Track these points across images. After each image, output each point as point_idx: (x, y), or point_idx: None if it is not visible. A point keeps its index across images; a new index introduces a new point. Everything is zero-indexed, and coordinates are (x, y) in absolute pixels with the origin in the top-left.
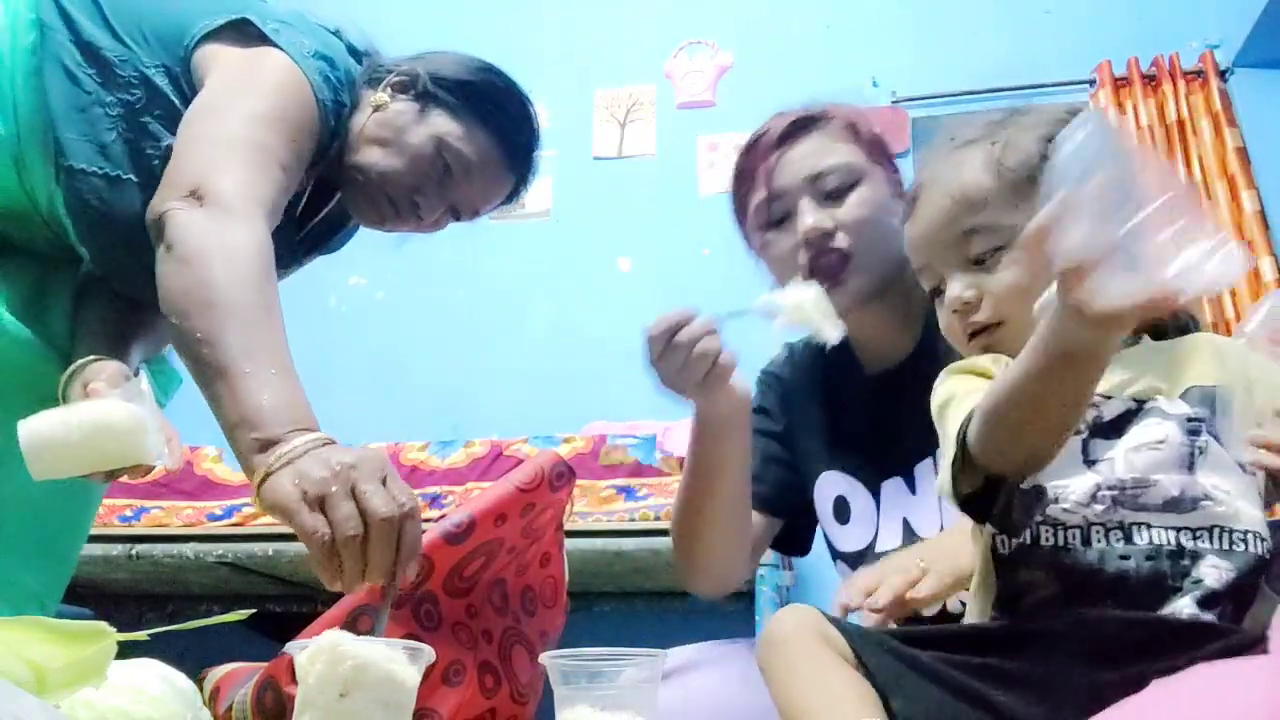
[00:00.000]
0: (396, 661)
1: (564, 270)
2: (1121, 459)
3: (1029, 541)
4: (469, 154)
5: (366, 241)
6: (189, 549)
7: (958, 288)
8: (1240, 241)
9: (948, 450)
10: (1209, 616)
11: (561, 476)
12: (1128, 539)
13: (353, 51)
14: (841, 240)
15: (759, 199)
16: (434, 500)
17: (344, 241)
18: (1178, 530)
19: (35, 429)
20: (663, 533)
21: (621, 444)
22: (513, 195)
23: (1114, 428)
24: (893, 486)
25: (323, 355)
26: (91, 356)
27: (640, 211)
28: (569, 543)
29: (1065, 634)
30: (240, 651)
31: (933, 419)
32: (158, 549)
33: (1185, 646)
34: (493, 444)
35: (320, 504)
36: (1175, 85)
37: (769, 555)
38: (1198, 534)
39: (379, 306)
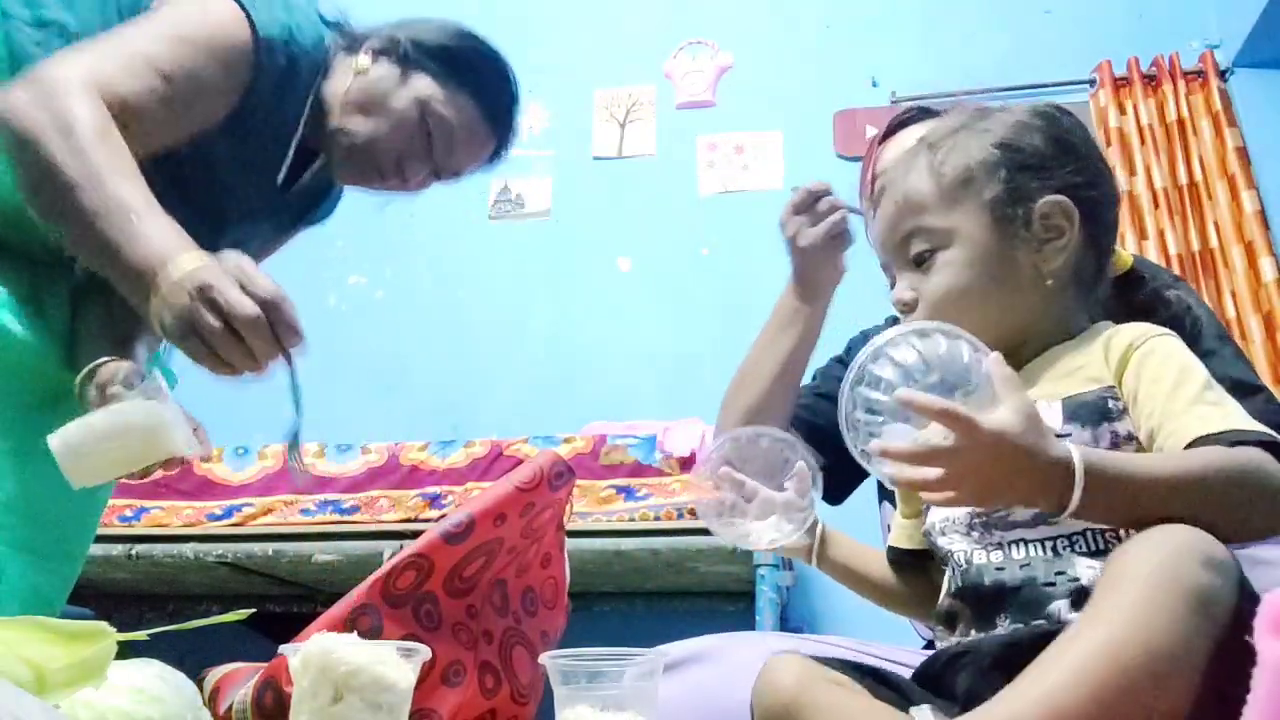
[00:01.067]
0: (387, 663)
1: (564, 270)
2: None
3: (944, 576)
4: (451, 117)
5: (367, 241)
6: (189, 549)
7: (899, 289)
8: (1240, 242)
9: None
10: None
11: (561, 476)
12: (1006, 555)
13: (324, 22)
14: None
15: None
16: (434, 500)
17: (330, 211)
18: (1053, 540)
19: (66, 440)
20: (663, 533)
21: (621, 444)
22: (494, 157)
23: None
24: None
25: (323, 355)
26: (102, 359)
27: (640, 211)
28: (569, 543)
29: (971, 655)
30: (240, 651)
31: None
32: (158, 549)
33: None
34: (493, 444)
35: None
36: (1175, 85)
37: (769, 556)
38: (1072, 539)
39: (379, 306)
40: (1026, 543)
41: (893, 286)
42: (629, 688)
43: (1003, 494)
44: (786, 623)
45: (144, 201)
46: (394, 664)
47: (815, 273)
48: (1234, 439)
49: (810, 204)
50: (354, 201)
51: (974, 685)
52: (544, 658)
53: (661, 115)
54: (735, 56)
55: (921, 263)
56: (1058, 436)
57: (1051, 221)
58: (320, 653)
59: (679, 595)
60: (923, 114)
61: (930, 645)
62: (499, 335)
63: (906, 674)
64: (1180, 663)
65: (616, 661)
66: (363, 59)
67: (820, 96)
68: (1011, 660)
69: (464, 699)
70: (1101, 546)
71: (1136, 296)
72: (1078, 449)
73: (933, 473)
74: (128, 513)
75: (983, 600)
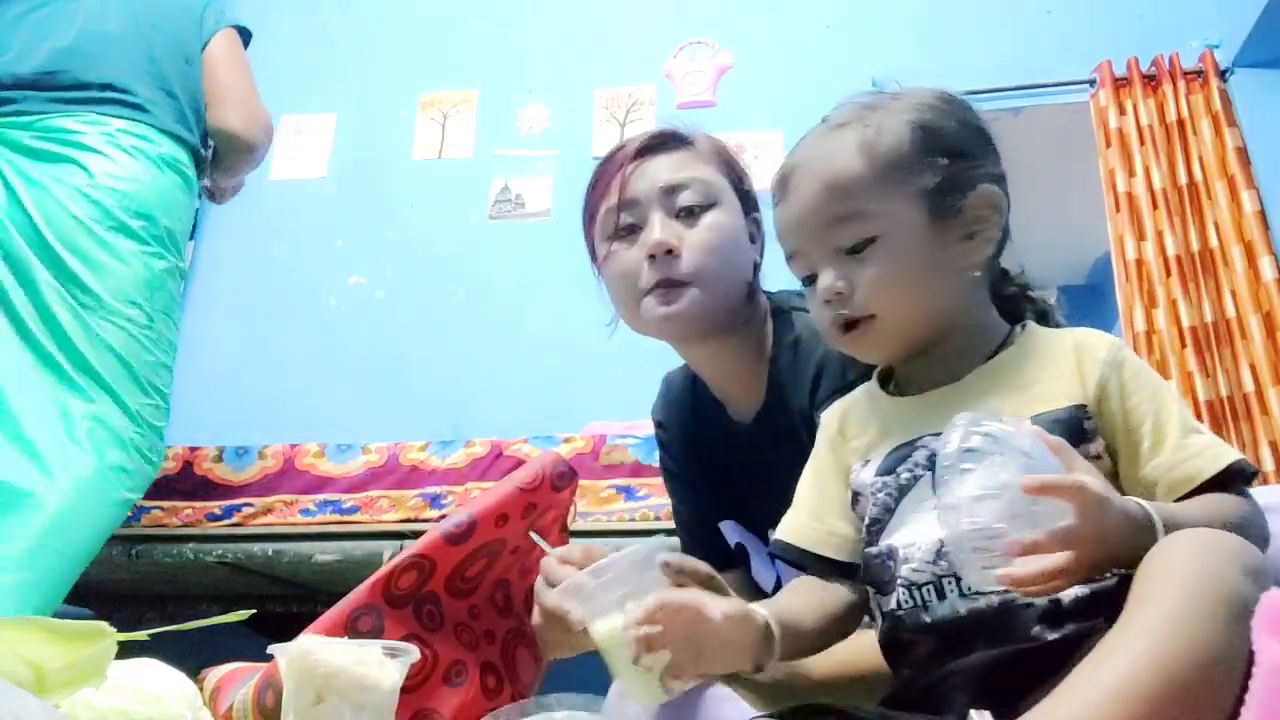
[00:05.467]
0: (369, 664)
1: (564, 270)
2: (966, 508)
3: (895, 605)
4: None
5: (367, 241)
6: (189, 549)
7: (829, 277)
8: (1240, 242)
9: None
10: (1066, 630)
11: (563, 477)
12: (971, 585)
13: None
14: (685, 265)
15: (609, 205)
16: (433, 500)
17: None
18: None
19: None
20: (663, 533)
21: (621, 444)
22: None
23: (961, 462)
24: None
25: (323, 355)
26: None
27: None
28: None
29: (944, 687)
30: (240, 651)
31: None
32: (158, 549)
33: (1049, 668)
34: (493, 444)
35: None
36: (1175, 85)
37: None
38: None
39: (379, 306)
40: (999, 567)
41: (804, 279)
42: (641, 579)
43: (1110, 559)
44: None
45: None
46: (376, 665)
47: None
48: (1231, 473)
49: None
50: (354, 202)
51: (973, 704)
52: (553, 593)
53: (661, 115)
54: (735, 56)
55: (854, 250)
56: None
57: (980, 213)
58: (300, 655)
59: None
60: (675, 141)
61: None
62: (499, 335)
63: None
64: (1225, 672)
65: (615, 564)
66: None
67: (820, 96)
68: (1007, 678)
69: (466, 699)
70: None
71: (1005, 290)
72: (1146, 503)
73: (1065, 557)
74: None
75: (958, 629)
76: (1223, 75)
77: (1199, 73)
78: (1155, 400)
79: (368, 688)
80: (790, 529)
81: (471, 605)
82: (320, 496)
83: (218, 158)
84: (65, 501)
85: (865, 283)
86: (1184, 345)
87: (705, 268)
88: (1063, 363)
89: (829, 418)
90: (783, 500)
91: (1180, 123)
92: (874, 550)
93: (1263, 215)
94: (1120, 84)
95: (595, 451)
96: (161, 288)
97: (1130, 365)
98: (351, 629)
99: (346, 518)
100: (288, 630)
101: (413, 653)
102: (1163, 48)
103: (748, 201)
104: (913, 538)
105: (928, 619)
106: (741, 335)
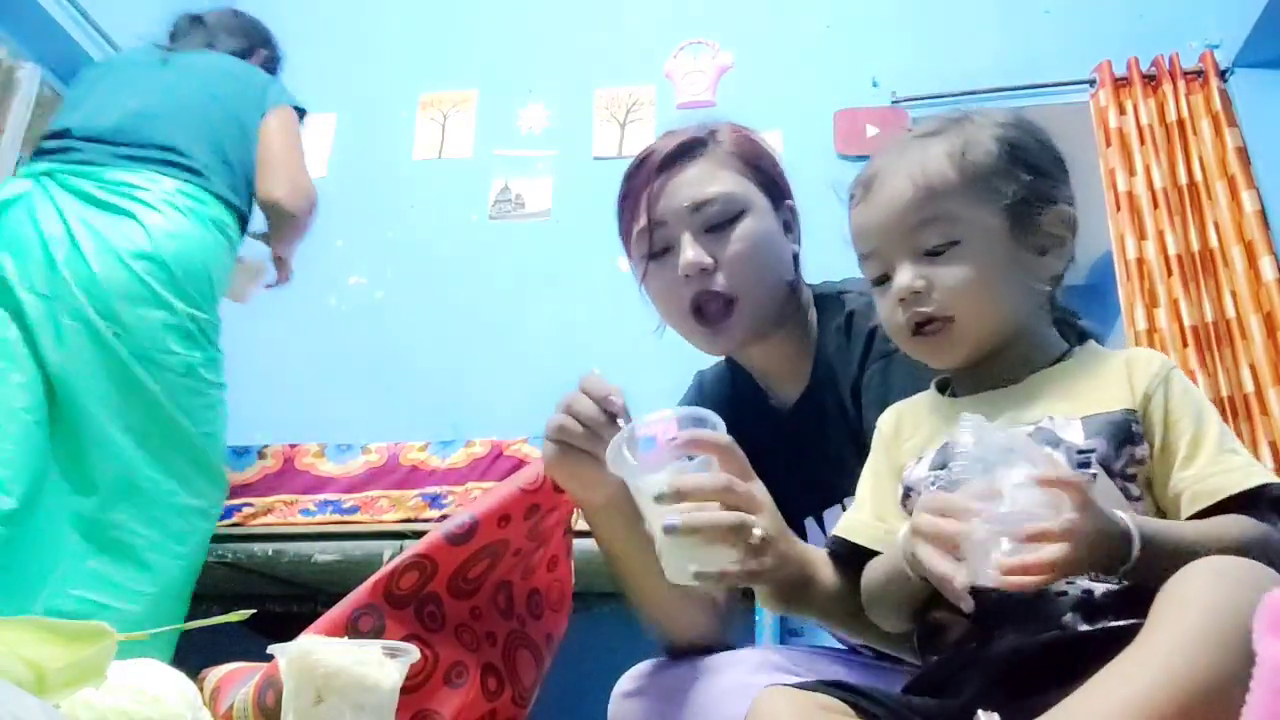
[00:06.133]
0: (369, 664)
1: (564, 270)
2: (1008, 495)
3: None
4: None
5: (367, 241)
6: None
7: (908, 276)
8: (1240, 242)
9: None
10: (1099, 625)
11: None
12: None
13: None
14: (721, 281)
15: (640, 225)
16: (433, 500)
17: None
18: None
19: None
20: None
21: None
22: None
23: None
24: (811, 526)
25: (323, 355)
26: None
27: None
28: None
29: (971, 668)
30: (240, 651)
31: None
32: None
33: (1078, 662)
34: (493, 444)
35: None
36: (1175, 85)
37: None
38: None
39: (379, 306)
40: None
41: (876, 279)
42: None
43: (1090, 561)
44: (786, 621)
45: None
46: (376, 665)
47: (575, 492)
48: (1258, 493)
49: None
50: (354, 202)
51: (987, 691)
52: (616, 439)
53: (662, 115)
54: (735, 56)
55: (935, 252)
56: (1079, 452)
57: (1055, 230)
58: (300, 655)
59: None
60: (696, 148)
61: (853, 651)
62: (499, 335)
63: (890, 679)
64: (1241, 695)
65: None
66: None
67: (820, 96)
68: (1028, 667)
69: (466, 700)
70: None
71: (1054, 314)
72: (1130, 515)
73: (1062, 549)
74: None
75: (988, 613)
76: (1223, 75)
77: (1199, 73)
78: (1198, 418)
79: (368, 688)
80: (853, 528)
81: (473, 606)
82: (320, 496)
83: (269, 227)
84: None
85: (944, 283)
86: (1185, 344)
87: (743, 279)
88: (1115, 374)
89: (884, 421)
90: (817, 487)
91: (1180, 123)
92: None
93: (1263, 215)
94: (1120, 84)
95: None
96: (202, 337)
97: (1178, 382)
98: (352, 629)
99: (346, 518)
100: (288, 630)
101: (413, 653)
102: (1163, 48)
103: (778, 192)
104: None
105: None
106: (789, 327)
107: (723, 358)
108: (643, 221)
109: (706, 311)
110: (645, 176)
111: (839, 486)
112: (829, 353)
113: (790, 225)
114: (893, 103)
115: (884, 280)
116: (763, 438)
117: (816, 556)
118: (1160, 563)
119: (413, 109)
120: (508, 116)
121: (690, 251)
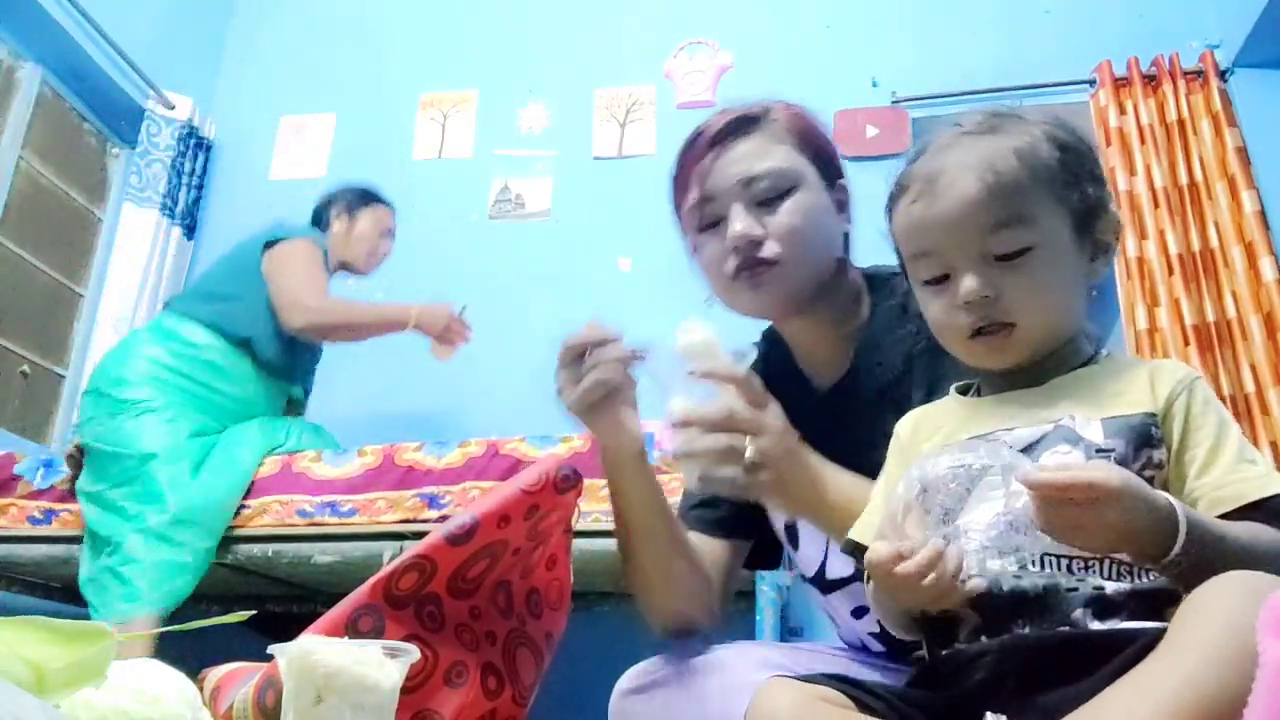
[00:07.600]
0: (369, 664)
1: (564, 270)
2: (1024, 492)
3: None
4: None
5: None
6: None
7: (974, 281)
8: (1240, 242)
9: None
10: (1111, 624)
11: (567, 480)
12: (1021, 565)
13: None
14: (770, 249)
15: (692, 200)
16: (431, 500)
17: None
18: (1069, 559)
19: None
20: None
21: None
22: None
23: (1025, 452)
24: None
25: (322, 355)
26: None
27: (640, 211)
28: None
29: (992, 656)
30: (240, 651)
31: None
32: None
33: (1089, 661)
34: (489, 444)
35: None
36: (1175, 85)
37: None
38: (1088, 563)
39: None
40: (1047, 554)
41: (929, 280)
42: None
43: (1129, 542)
44: (786, 621)
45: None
46: (376, 665)
47: (605, 441)
48: (1277, 502)
49: (574, 358)
50: None
51: (995, 685)
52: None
53: (661, 115)
54: (735, 56)
55: (1006, 258)
56: (1098, 451)
57: (1106, 237)
58: (300, 655)
59: None
60: (750, 123)
61: (855, 650)
62: (499, 335)
63: (893, 677)
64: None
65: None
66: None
67: (820, 96)
68: (1037, 663)
69: (467, 700)
70: (1119, 575)
71: None
72: (1177, 502)
73: (1095, 473)
74: None
75: (998, 608)
76: (1223, 75)
77: (1199, 73)
78: (1218, 429)
79: (368, 688)
80: (865, 531)
81: (473, 606)
82: (318, 499)
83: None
84: None
85: (1014, 291)
86: (1186, 344)
87: (790, 249)
88: (1139, 381)
89: (902, 427)
90: (854, 468)
91: (1180, 123)
92: (943, 533)
93: (1263, 215)
94: (1120, 84)
95: (594, 451)
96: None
97: (1201, 392)
98: (352, 629)
99: (345, 519)
100: (288, 630)
101: (413, 653)
102: (1163, 48)
103: (831, 171)
104: (976, 518)
105: (977, 595)
106: (833, 306)
107: (762, 335)
108: (694, 196)
109: (749, 276)
110: (698, 152)
111: (868, 473)
112: (879, 331)
113: (843, 204)
114: (893, 102)
115: (941, 280)
116: (797, 422)
117: (833, 477)
118: (1205, 553)
119: (413, 109)
120: (508, 116)
121: (739, 223)
